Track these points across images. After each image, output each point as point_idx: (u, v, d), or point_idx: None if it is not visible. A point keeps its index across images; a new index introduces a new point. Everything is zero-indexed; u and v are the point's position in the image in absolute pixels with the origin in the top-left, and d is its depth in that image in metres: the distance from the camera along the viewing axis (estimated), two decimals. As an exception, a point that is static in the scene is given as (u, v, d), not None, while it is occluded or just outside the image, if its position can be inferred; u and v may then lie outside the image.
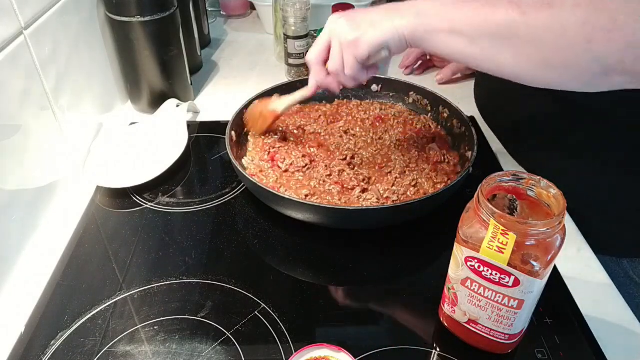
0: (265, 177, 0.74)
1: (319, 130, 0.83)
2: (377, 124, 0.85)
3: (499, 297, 0.48)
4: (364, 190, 0.70)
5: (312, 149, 0.78)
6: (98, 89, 0.89)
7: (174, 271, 0.63)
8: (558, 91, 0.71)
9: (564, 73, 0.49)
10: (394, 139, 0.80)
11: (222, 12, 1.38)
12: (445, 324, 0.56)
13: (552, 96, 0.73)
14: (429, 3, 0.56)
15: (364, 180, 0.72)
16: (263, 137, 0.82)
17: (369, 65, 0.63)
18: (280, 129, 0.83)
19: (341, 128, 0.84)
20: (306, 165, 0.75)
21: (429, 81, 1.04)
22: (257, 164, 0.77)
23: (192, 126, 0.91)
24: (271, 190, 0.65)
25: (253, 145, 0.81)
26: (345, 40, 0.61)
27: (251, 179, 0.66)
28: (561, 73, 0.49)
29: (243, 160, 0.77)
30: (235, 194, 0.76)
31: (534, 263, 0.44)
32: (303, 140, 0.81)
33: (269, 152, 0.78)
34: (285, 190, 0.71)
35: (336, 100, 0.91)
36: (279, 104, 0.78)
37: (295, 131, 0.83)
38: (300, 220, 0.66)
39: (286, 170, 0.74)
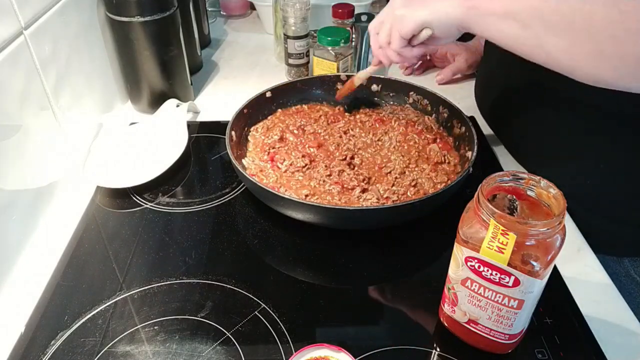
0: (265, 177, 0.74)
1: (319, 131, 0.83)
2: (377, 125, 0.85)
3: (499, 297, 0.48)
4: (364, 190, 0.70)
5: (311, 149, 0.78)
6: (98, 89, 0.89)
7: (174, 271, 0.63)
8: (559, 91, 0.71)
9: (620, 66, 0.46)
10: (393, 140, 0.80)
11: (222, 12, 1.38)
12: (445, 324, 0.56)
13: (552, 96, 0.73)
14: None
15: (364, 180, 0.72)
16: (263, 137, 0.82)
17: (416, 44, 0.65)
18: (280, 128, 0.83)
19: (341, 128, 0.84)
20: (306, 165, 0.75)
21: (429, 81, 1.04)
22: (257, 164, 0.77)
23: (192, 126, 0.91)
24: (271, 190, 0.65)
25: (253, 145, 0.81)
26: (396, 15, 0.62)
27: (251, 179, 0.66)
28: (616, 66, 0.46)
29: (243, 161, 0.77)
30: (235, 194, 0.76)
31: (534, 263, 0.44)
32: (303, 141, 0.81)
33: (268, 153, 0.78)
34: (285, 190, 0.71)
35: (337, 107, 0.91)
36: (357, 78, 0.82)
37: (295, 131, 0.83)
38: (300, 220, 0.66)
39: (286, 171, 0.74)
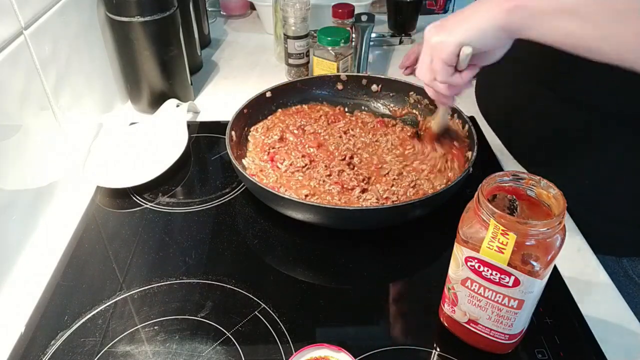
0: (265, 177, 0.74)
1: (319, 130, 0.83)
2: (378, 126, 0.85)
3: (499, 297, 0.48)
4: (363, 191, 0.70)
5: (311, 149, 0.78)
6: (98, 89, 0.89)
7: (174, 271, 0.63)
8: (559, 91, 0.71)
9: None
10: (389, 142, 0.80)
11: (222, 12, 1.38)
12: (445, 324, 0.56)
13: (553, 95, 0.73)
14: None
15: (363, 180, 0.72)
16: (263, 137, 0.82)
17: (462, 68, 0.58)
18: (280, 128, 0.83)
19: (341, 128, 0.84)
20: (306, 165, 0.75)
21: (429, 81, 1.04)
22: (257, 164, 0.77)
23: (192, 126, 0.91)
24: (271, 190, 0.65)
25: (253, 145, 0.81)
26: (432, 45, 0.56)
27: (251, 179, 0.66)
28: None
29: (243, 161, 0.77)
30: (235, 194, 0.76)
31: (534, 263, 0.44)
32: (303, 140, 0.81)
33: (268, 153, 0.78)
34: (285, 190, 0.71)
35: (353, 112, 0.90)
36: (434, 125, 0.76)
37: (295, 131, 0.83)
38: (300, 220, 0.66)
39: (286, 171, 0.74)
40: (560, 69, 0.69)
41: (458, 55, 0.56)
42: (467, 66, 0.58)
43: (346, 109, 0.90)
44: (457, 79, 0.59)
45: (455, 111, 0.80)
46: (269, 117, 0.87)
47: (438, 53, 0.56)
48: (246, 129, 0.83)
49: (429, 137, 0.77)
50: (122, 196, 0.76)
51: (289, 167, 0.75)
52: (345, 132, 0.83)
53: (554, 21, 0.48)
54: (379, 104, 0.90)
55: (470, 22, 0.53)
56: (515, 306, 0.47)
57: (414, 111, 0.87)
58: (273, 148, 0.79)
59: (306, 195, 0.69)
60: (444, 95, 0.62)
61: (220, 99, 1.00)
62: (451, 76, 0.58)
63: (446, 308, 0.54)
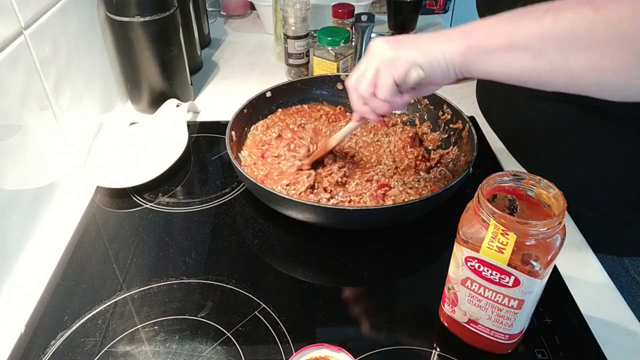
0: (256, 170, 0.74)
1: (320, 127, 0.83)
2: (379, 125, 0.85)
3: (499, 297, 0.48)
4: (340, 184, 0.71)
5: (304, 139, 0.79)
6: (98, 89, 0.89)
7: (174, 271, 0.63)
8: (559, 91, 0.71)
9: None
10: (392, 145, 0.80)
11: (222, 12, 1.38)
12: (445, 324, 0.56)
13: (553, 96, 0.73)
14: (480, 23, 0.50)
15: (343, 176, 0.73)
16: (262, 135, 0.82)
17: (405, 90, 0.57)
18: (280, 127, 0.83)
19: (342, 126, 0.84)
20: (291, 153, 0.76)
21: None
22: (252, 158, 0.77)
23: (192, 126, 0.91)
24: (271, 190, 0.65)
25: (251, 141, 0.81)
26: (384, 59, 0.55)
27: (251, 178, 0.66)
28: None
29: (240, 154, 0.78)
30: (235, 194, 0.76)
31: (534, 263, 0.44)
32: (302, 136, 0.81)
33: (260, 149, 0.78)
34: (270, 182, 0.71)
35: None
36: (333, 139, 0.73)
37: (295, 129, 0.83)
38: (300, 220, 0.66)
39: (272, 163, 0.75)
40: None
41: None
42: (409, 90, 0.57)
43: (346, 110, 0.90)
44: (398, 99, 0.57)
45: (455, 111, 0.80)
46: (269, 116, 0.87)
47: (390, 69, 0.55)
48: (246, 128, 0.83)
49: (321, 151, 0.74)
50: (122, 196, 0.76)
51: (274, 160, 0.75)
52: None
53: (506, 58, 0.48)
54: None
55: (427, 48, 0.53)
56: (515, 306, 0.47)
57: (415, 113, 0.87)
58: (268, 144, 0.79)
59: (287, 185, 0.70)
60: (375, 113, 0.60)
61: (220, 99, 1.00)
62: (394, 95, 0.56)
63: (446, 308, 0.54)
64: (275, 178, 0.72)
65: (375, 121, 0.65)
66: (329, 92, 0.91)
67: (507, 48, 0.48)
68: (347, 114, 0.89)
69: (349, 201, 0.68)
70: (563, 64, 0.46)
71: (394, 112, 0.86)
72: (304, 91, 0.90)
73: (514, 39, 0.47)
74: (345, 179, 0.72)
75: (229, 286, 0.61)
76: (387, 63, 0.55)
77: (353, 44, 1.02)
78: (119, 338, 0.56)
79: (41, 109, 0.70)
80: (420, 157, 0.77)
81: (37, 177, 0.69)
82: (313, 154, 0.75)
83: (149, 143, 0.84)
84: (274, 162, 0.75)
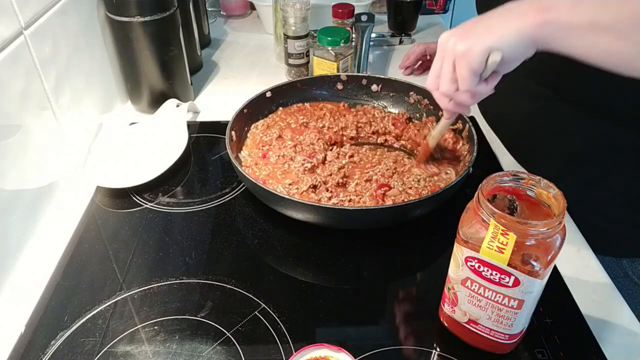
0: (258, 170, 0.74)
1: (324, 123, 0.83)
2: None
3: (499, 297, 0.48)
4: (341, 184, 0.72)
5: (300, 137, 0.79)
6: (98, 89, 0.89)
7: (174, 271, 0.63)
8: (559, 91, 0.71)
9: None
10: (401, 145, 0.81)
11: (222, 12, 1.38)
12: (445, 324, 0.56)
13: (553, 96, 0.73)
14: None
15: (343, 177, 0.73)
16: (262, 134, 0.82)
17: (488, 76, 0.55)
18: (280, 127, 0.83)
19: (353, 120, 0.84)
20: (291, 157, 0.76)
21: (429, 81, 1.04)
22: (253, 158, 0.77)
23: (192, 126, 0.91)
24: (271, 190, 0.65)
25: (251, 141, 0.81)
26: (457, 53, 0.53)
27: (251, 179, 0.66)
28: None
29: (240, 154, 0.78)
30: (235, 194, 0.76)
31: (534, 263, 0.44)
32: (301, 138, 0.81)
33: (261, 150, 0.78)
34: (272, 182, 0.71)
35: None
36: (432, 139, 0.73)
37: (298, 128, 0.83)
38: (300, 220, 0.66)
39: (276, 162, 0.75)
40: (562, 70, 0.69)
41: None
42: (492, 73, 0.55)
43: (349, 106, 0.90)
44: (483, 88, 0.56)
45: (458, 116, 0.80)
46: (269, 116, 0.87)
47: (465, 61, 0.53)
48: (246, 128, 0.83)
49: (423, 152, 0.75)
50: (122, 196, 0.75)
51: (279, 160, 0.75)
52: (357, 127, 0.83)
53: (588, 36, 0.47)
54: (379, 104, 0.90)
55: (499, 29, 0.51)
56: (515, 306, 0.47)
57: (415, 113, 0.87)
58: (268, 145, 0.79)
59: (290, 184, 0.70)
60: (464, 105, 0.59)
61: (220, 99, 1.00)
62: (477, 85, 0.55)
63: (446, 308, 0.54)
64: (279, 177, 0.72)
65: (469, 113, 0.64)
66: (329, 92, 0.91)
67: (590, 27, 0.46)
68: (351, 109, 0.89)
69: (349, 201, 0.68)
70: None
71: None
72: (304, 91, 0.90)
73: (598, 18, 0.46)
74: (345, 179, 0.72)
75: (229, 286, 0.61)
76: (461, 56, 0.53)
77: (353, 44, 1.02)
78: (119, 338, 0.56)
79: (41, 109, 0.70)
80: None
81: (37, 177, 0.69)
82: (418, 156, 0.75)
83: (149, 143, 0.84)
84: (278, 162, 0.75)
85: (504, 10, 0.52)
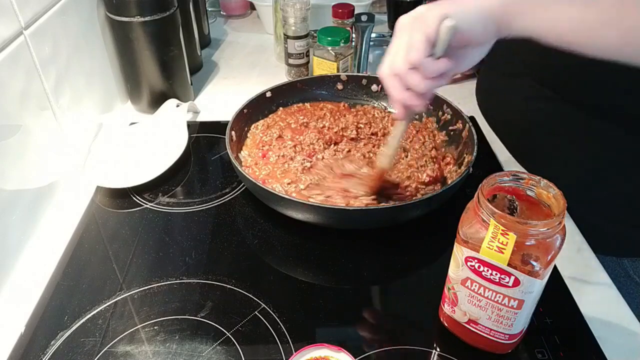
0: (258, 170, 0.74)
1: (324, 123, 0.83)
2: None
3: (499, 297, 0.48)
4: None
5: (300, 137, 0.79)
6: (98, 89, 0.89)
7: (174, 271, 0.63)
8: (559, 91, 0.71)
9: None
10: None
11: (222, 12, 1.38)
12: (445, 324, 0.56)
13: (553, 95, 0.73)
14: None
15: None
16: (262, 134, 0.82)
17: (440, 52, 0.51)
18: (280, 127, 0.83)
19: (353, 121, 0.84)
20: (294, 153, 0.76)
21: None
22: (253, 158, 0.77)
23: (192, 126, 0.91)
24: (271, 190, 0.65)
25: (251, 141, 0.81)
26: (412, 18, 0.51)
27: (251, 179, 0.66)
28: None
29: (240, 154, 0.78)
30: (235, 194, 0.76)
31: (534, 263, 0.44)
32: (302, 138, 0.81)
33: (261, 150, 0.78)
34: (272, 182, 0.71)
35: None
36: (384, 156, 0.65)
37: (298, 128, 0.83)
38: (300, 220, 0.66)
39: (276, 162, 0.75)
40: (561, 68, 0.69)
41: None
42: (444, 53, 0.51)
43: (349, 106, 0.90)
44: (432, 65, 0.51)
45: (455, 111, 0.80)
46: (270, 116, 0.87)
47: (419, 26, 0.50)
48: (246, 128, 0.83)
49: (377, 178, 0.67)
50: (122, 196, 0.75)
51: (279, 159, 0.75)
52: (357, 127, 0.83)
53: (553, 7, 0.45)
54: (379, 104, 0.90)
55: (465, 4, 0.49)
56: (515, 306, 0.47)
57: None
58: (268, 145, 0.79)
59: (288, 183, 0.70)
60: (418, 95, 0.53)
61: (220, 99, 1.00)
62: (427, 58, 0.50)
63: (446, 308, 0.54)
64: (278, 177, 0.72)
65: (421, 110, 0.58)
66: (329, 92, 0.91)
67: None
68: (351, 109, 0.89)
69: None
70: (618, 15, 0.41)
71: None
72: (304, 91, 0.90)
73: None
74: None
75: (229, 286, 0.61)
76: (415, 22, 0.51)
77: (353, 44, 1.02)
78: (119, 338, 0.56)
79: (41, 109, 0.70)
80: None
81: (37, 177, 0.69)
82: (371, 186, 0.67)
83: (149, 143, 0.84)
84: (278, 162, 0.75)
85: None
